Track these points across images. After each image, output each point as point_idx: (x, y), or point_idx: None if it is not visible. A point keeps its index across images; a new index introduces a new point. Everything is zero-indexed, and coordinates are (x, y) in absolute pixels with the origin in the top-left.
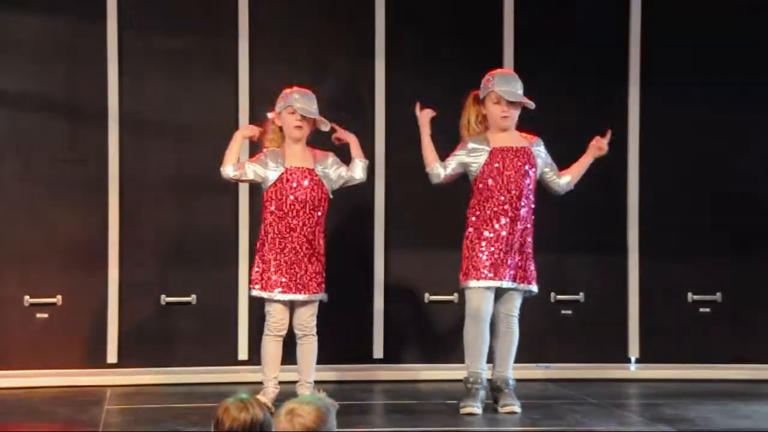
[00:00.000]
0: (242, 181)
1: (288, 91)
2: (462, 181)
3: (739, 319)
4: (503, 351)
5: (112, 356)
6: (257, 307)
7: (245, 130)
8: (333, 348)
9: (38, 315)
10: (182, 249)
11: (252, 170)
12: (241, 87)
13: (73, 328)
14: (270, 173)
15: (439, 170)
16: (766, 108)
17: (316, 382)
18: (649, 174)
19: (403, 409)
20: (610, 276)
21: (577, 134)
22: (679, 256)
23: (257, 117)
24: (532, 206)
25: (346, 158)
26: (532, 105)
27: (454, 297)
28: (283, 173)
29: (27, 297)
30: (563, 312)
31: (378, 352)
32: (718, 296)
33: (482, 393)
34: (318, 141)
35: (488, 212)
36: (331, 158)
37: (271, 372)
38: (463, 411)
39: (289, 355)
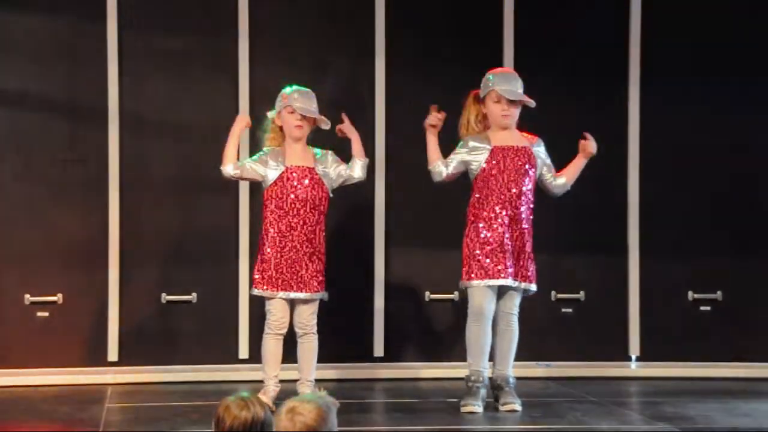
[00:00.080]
0: (242, 179)
1: (287, 90)
2: (462, 180)
3: (739, 318)
4: (503, 349)
5: (112, 355)
6: (258, 305)
7: (239, 123)
8: (333, 346)
9: (39, 314)
10: (183, 247)
11: (252, 169)
12: (241, 87)
13: (74, 326)
14: (270, 172)
15: (442, 168)
16: (766, 108)
17: (317, 381)
18: (649, 174)
19: (403, 408)
20: (610, 275)
21: (577, 134)
22: (679, 255)
23: (257, 117)
24: (532, 206)
25: (346, 156)
26: (532, 103)
27: (455, 295)
28: (283, 172)
29: (27, 296)
30: (564, 310)
31: (378, 350)
32: (718, 295)
33: (483, 391)
34: (318, 140)
35: (488, 211)
36: (331, 156)
37: (271, 371)
38: (463, 410)
39: (289, 354)
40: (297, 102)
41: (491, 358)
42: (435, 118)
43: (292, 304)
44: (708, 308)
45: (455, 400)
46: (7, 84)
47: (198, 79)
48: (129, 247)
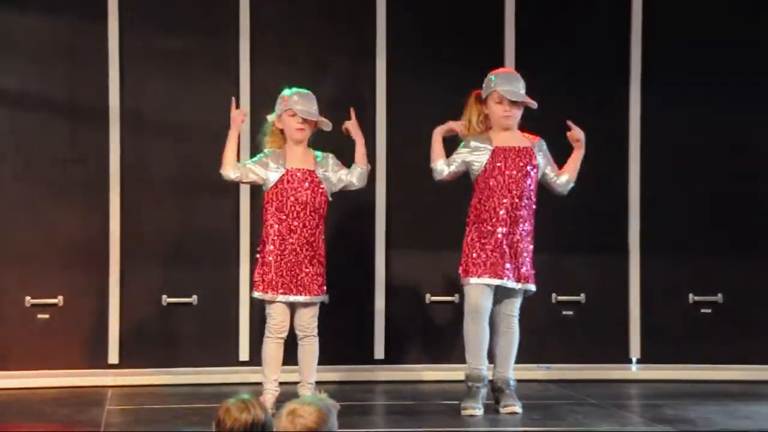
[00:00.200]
0: (243, 182)
1: (287, 92)
2: (463, 180)
3: (739, 320)
4: (504, 351)
5: (113, 357)
6: (258, 307)
7: (235, 122)
8: (334, 349)
9: (39, 316)
10: (183, 249)
11: (252, 171)
12: (241, 87)
13: (74, 328)
14: (271, 174)
15: (443, 167)
16: (766, 108)
17: (317, 383)
18: (649, 174)
19: (404, 410)
20: (610, 276)
21: None
22: (679, 256)
23: (257, 117)
24: (533, 207)
25: (346, 159)
26: (534, 104)
27: (455, 297)
28: (283, 175)
29: (28, 298)
30: (564, 313)
31: (379, 352)
32: (719, 297)
33: (483, 392)
34: (319, 142)
35: (489, 211)
36: (332, 159)
37: (271, 374)
38: (464, 413)
39: (290, 356)
40: (298, 105)
41: (491, 360)
42: (447, 132)
43: (293, 307)
44: (708, 310)
45: (455, 402)
46: (7, 84)
47: (198, 79)
48: (129, 248)
